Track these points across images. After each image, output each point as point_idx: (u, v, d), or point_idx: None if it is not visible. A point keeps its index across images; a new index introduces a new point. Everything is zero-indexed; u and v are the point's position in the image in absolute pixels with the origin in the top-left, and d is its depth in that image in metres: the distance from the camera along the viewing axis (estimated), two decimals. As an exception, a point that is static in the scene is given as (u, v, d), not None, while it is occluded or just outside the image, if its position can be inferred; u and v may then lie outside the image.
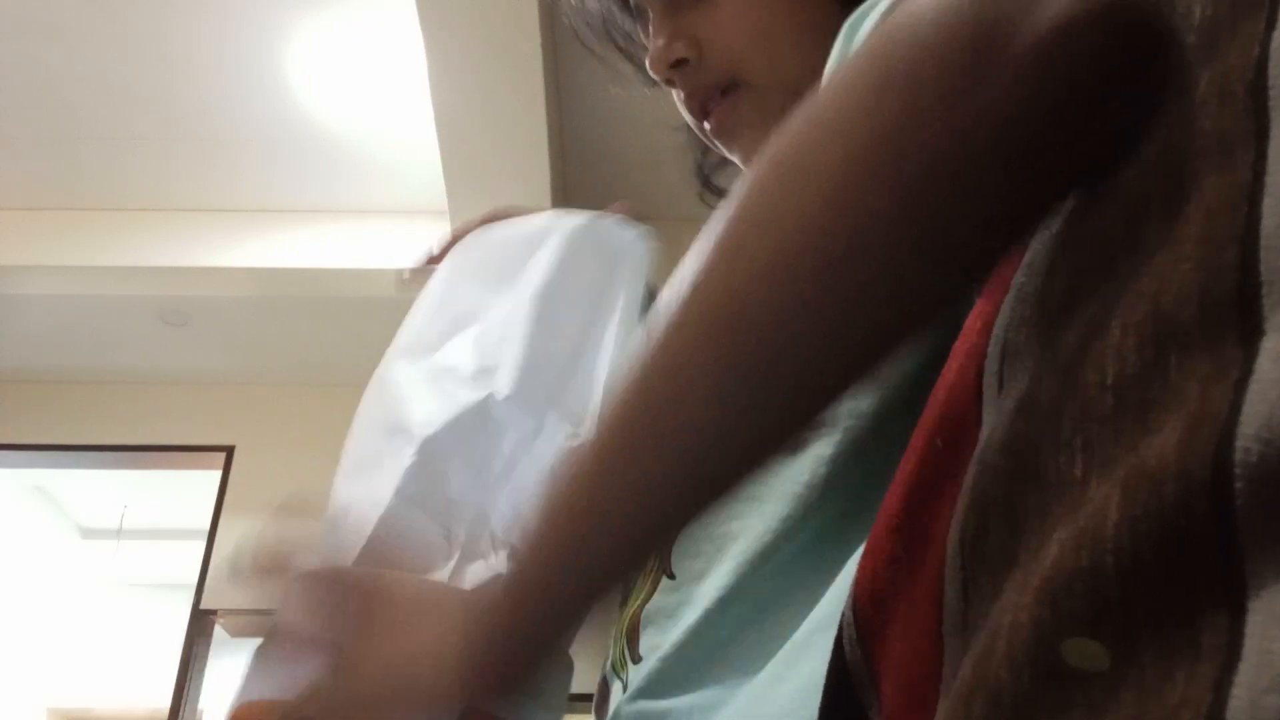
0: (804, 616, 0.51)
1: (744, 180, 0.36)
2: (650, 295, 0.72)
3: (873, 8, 0.52)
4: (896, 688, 0.33)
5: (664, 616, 0.56)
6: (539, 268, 0.65)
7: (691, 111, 0.71)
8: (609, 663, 0.60)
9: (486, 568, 0.55)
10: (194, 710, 4.09)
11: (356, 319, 3.99)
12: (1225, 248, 0.22)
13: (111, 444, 4.33)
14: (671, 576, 0.57)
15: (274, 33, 3.00)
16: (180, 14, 2.92)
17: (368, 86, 3.20)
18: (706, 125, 0.71)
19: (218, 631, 4.19)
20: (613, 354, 0.63)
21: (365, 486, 0.56)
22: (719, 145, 0.72)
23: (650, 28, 0.72)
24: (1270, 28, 0.24)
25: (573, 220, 0.70)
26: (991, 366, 0.30)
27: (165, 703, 4.08)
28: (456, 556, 0.55)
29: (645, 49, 0.73)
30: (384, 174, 3.56)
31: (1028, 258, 0.30)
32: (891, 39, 0.33)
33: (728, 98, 0.69)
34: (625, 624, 0.59)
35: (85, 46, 3.02)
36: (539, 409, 0.60)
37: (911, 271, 0.31)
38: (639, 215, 0.77)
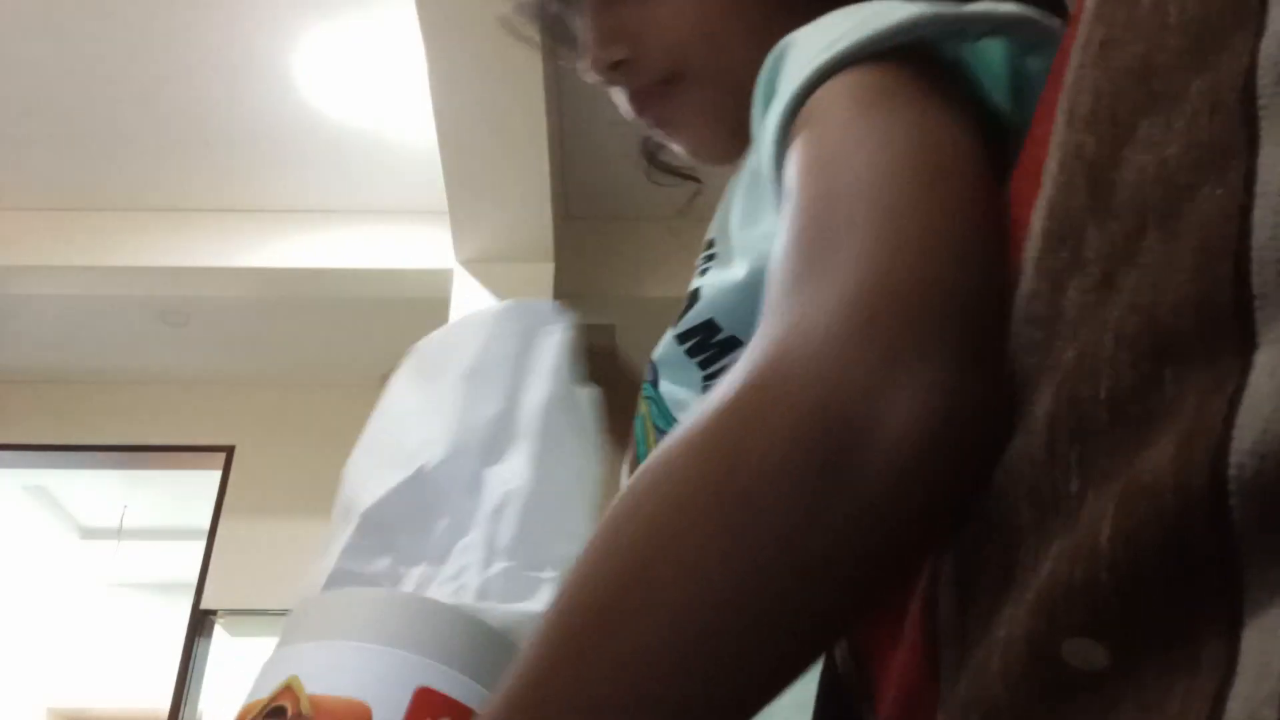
0: None
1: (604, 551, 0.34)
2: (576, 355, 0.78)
3: (790, 46, 0.50)
4: (892, 699, 0.33)
5: None
6: (466, 351, 0.73)
7: (634, 109, 0.68)
8: None
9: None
10: (194, 710, 4.09)
11: (356, 319, 4.00)
12: (1220, 260, 0.22)
13: (111, 444, 4.34)
14: None
15: (274, 34, 3.01)
16: (181, 15, 2.92)
17: (367, 87, 3.20)
18: (645, 120, 0.69)
19: (218, 631, 4.19)
20: (537, 408, 0.70)
21: (320, 563, 0.62)
22: (661, 135, 0.70)
23: (585, 23, 0.68)
24: (1259, 36, 0.24)
25: (496, 307, 0.80)
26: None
27: (165, 703, 4.08)
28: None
29: (576, 39, 0.70)
30: (384, 174, 3.56)
31: (1030, 277, 0.30)
32: (727, 469, 0.32)
33: (669, 89, 0.66)
34: None
35: (86, 47, 3.02)
36: (472, 468, 0.65)
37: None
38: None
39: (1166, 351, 0.23)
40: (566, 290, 3.53)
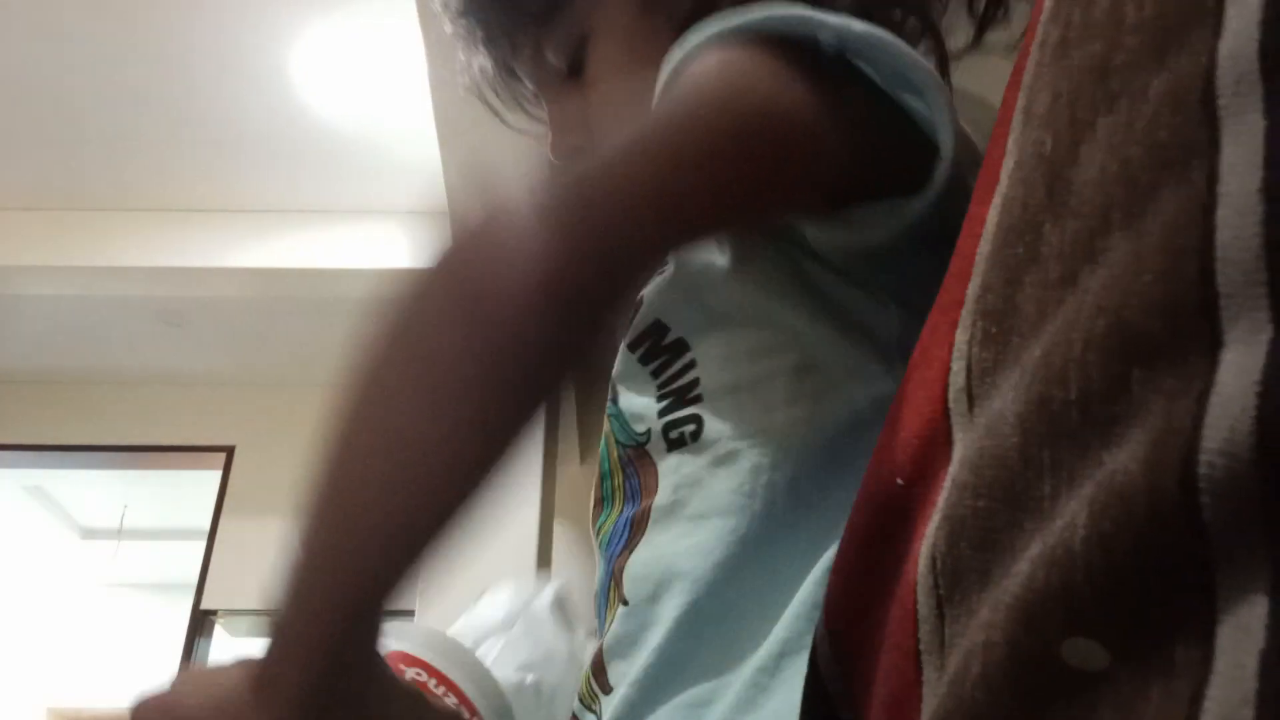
0: (767, 630, 0.51)
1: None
2: None
3: (683, 43, 0.57)
4: (878, 704, 0.33)
5: (627, 644, 0.55)
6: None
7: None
8: (577, 698, 0.60)
9: None
10: (193, 710, 4.08)
11: (356, 319, 4.00)
12: (1185, 261, 0.22)
13: (111, 444, 4.34)
14: (625, 603, 0.56)
15: (274, 34, 3.01)
16: (181, 14, 2.92)
17: (367, 87, 3.20)
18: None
19: (218, 631, 4.19)
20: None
21: None
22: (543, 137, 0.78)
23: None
24: (1217, 36, 0.24)
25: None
26: (957, 382, 0.30)
27: (165, 703, 4.08)
28: None
29: (527, 100, 0.80)
30: (384, 174, 3.56)
31: (983, 272, 0.30)
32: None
33: None
34: (591, 660, 0.58)
35: (86, 47, 3.02)
36: None
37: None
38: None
39: (1135, 352, 0.23)
40: (566, 290, 3.53)
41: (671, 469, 0.58)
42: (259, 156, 3.49)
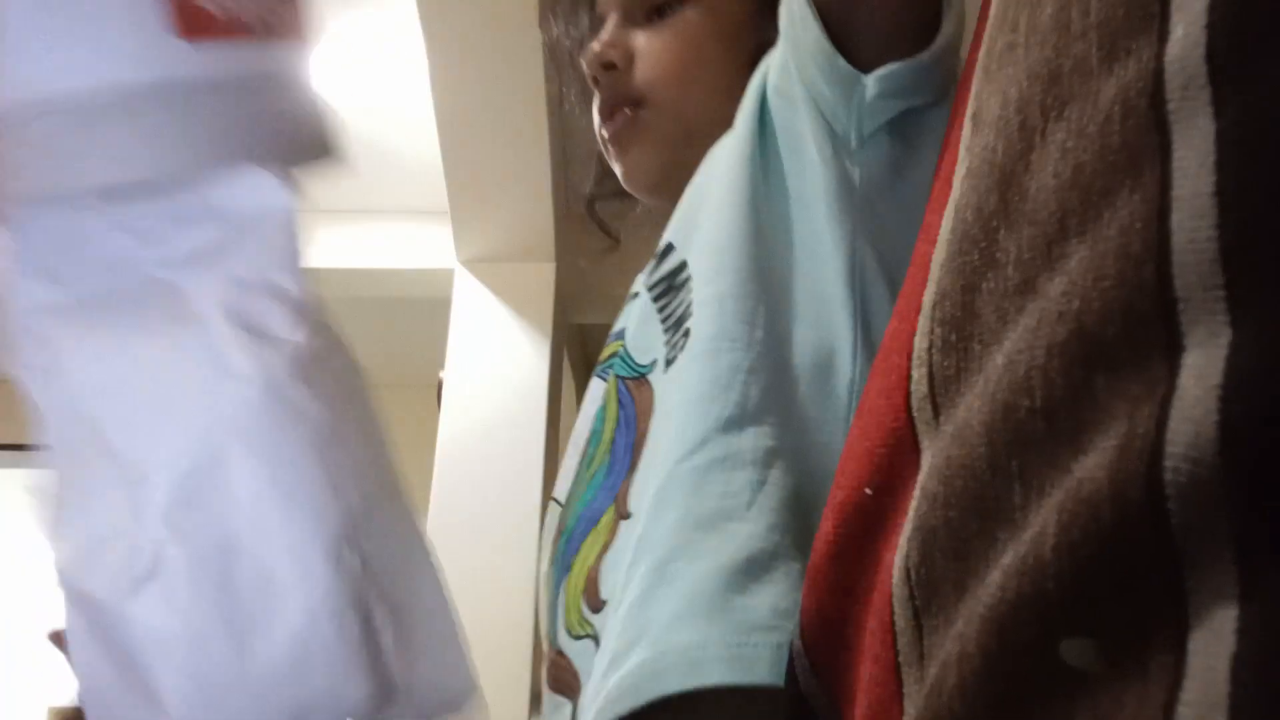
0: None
1: None
2: None
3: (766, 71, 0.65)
4: (861, 712, 0.33)
5: (623, 552, 0.56)
6: None
7: (600, 114, 0.81)
8: (559, 635, 0.60)
9: None
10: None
11: (356, 319, 4.00)
12: (1142, 266, 0.22)
13: (113, 444, 4.34)
14: (628, 516, 0.58)
15: (274, 33, 3.01)
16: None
17: (368, 87, 3.20)
18: (605, 131, 0.80)
19: (219, 631, 4.20)
20: None
21: None
22: (608, 151, 0.82)
23: (605, 26, 0.82)
24: (1163, 41, 0.24)
25: None
26: (920, 390, 0.30)
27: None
28: None
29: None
30: (385, 174, 3.57)
31: (939, 279, 0.30)
32: None
33: (632, 111, 0.78)
34: (578, 587, 0.59)
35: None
36: None
37: None
38: None
39: (1097, 359, 0.23)
40: (566, 290, 3.54)
41: (664, 384, 0.61)
42: (260, 157, 3.49)
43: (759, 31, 0.74)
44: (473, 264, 3.42)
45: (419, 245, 3.65)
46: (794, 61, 0.62)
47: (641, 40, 0.79)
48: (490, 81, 2.80)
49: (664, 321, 0.64)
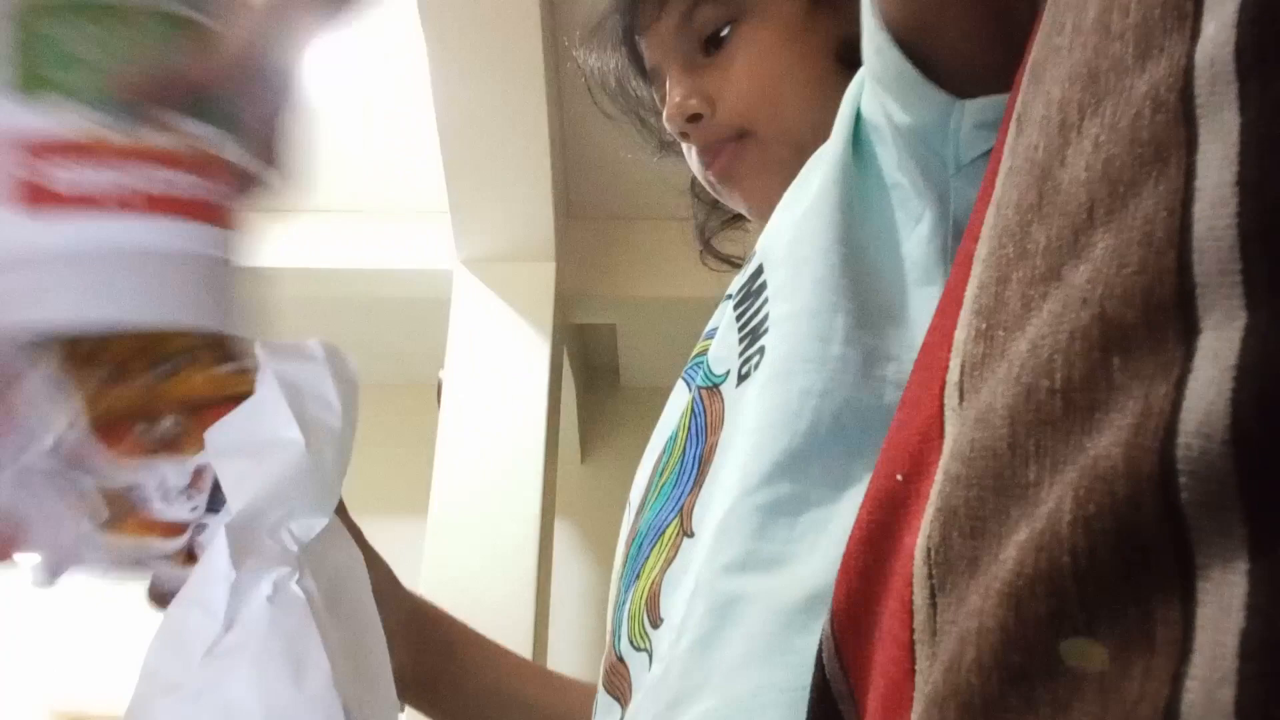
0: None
1: None
2: None
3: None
4: (875, 697, 0.33)
5: (683, 573, 0.56)
6: None
7: (702, 160, 0.80)
8: (622, 642, 0.60)
9: None
10: (194, 709, 4.09)
11: (356, 319, 4.00)
12: (1163, 253, 0.23)
13: (112, 443, 4.34)
14: (691, 535, 0.58)
15: (275, 33, 3.01)
16: (182, 15, 2.92)
17: (368, 87, 3.20)
18: (711, 175, 0.79)
19: (218, 630, 4.20)
20: None
21: None
22: (720, 190, 0.81)
23: (666, 87, 0.80)
24: (1194, 39, 0.25)
25: None
26: (952, 378, 0.31)
27: (166, 701, 4.08)
28: None
29: (658, 113, 0.83)
30: (384, 174, 3.56)
31: (979, 273, 0.31)
32: None
33: (735, 145, 0.77)
34: (642, 598, 0.59)
35: (87, 47, 3.02)
36: None
37: None
38: None
39: (1114, 341, 0.24)
40: (566, 290, 3.53)
41: (735, 399, 0.60)
42: (260, 156, 3.49)
43: (826, 20, 0.74)
44: (473, 264, 3.42)
45: (419, 245, 3.65)
46: (881, 90, 0.59)
47: (715, 78, 0.77)
48: (490, 81, 2.81)
49: (740, 330, 0.63)
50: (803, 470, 0.53)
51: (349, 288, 3.74)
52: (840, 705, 0.37)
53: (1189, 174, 0.23)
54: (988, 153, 0.57)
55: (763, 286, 0.62)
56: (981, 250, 0.32)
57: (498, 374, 3.25)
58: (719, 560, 0.53)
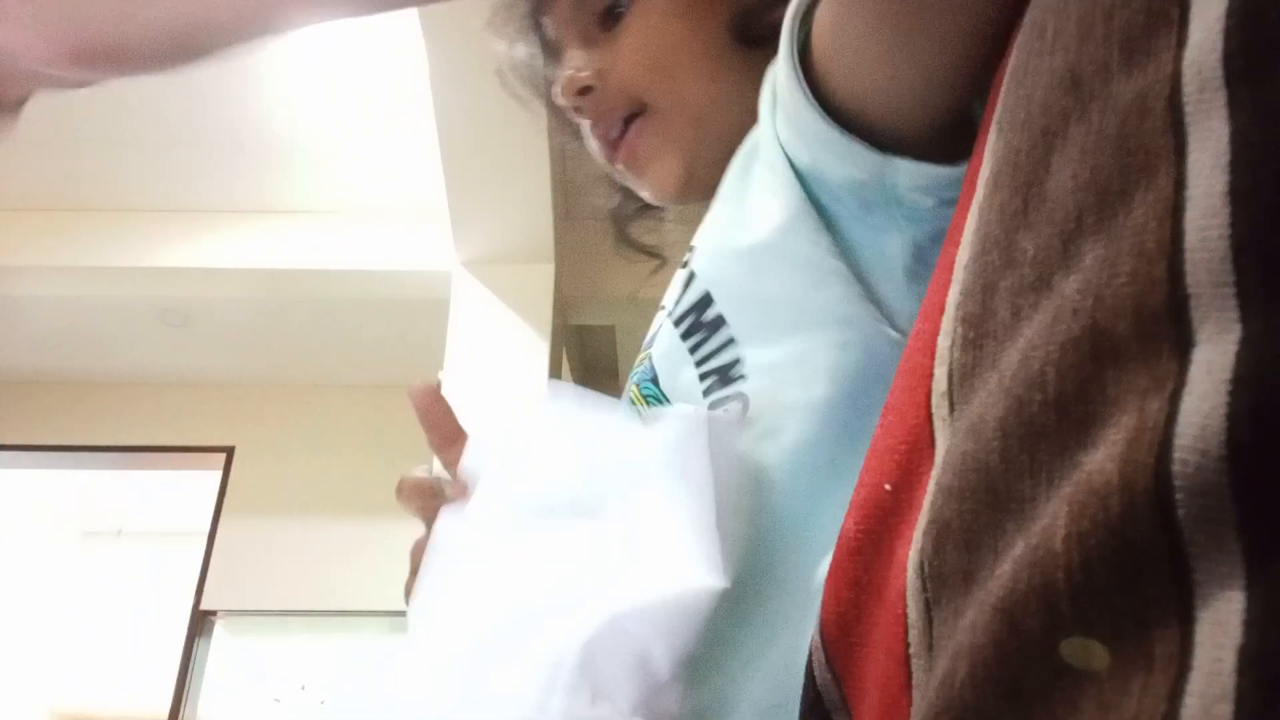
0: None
1: None
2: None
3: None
4: (870, 710, 0.33)
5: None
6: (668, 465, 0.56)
7: (598, 141, 0.77)
8: None
9: None
10: (194, 711, 4.09)
11: (356, 319, 4.00)
12: (1154, 263, 0.23)
13: (111, 444, 4.35)
14: None
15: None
16: (180, 15, 2.92)
17: (369, 88, 3.20)
18: (616, 161, 0.77)
19: (218, 631, 4.20)
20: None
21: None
22: (629, 178, 0.78)
23: (564, 56, 0.78)
24: (1181, 46, 0.24)
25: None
26: (939, 387, 0.31)
27: (166, 703, 4.09)
28: None
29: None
30: (384, 175, 3.57)
31: (962, 279, 0.31)
32: None
33: (632, 126, 0.75)
34: None
35: (85, 48, 3.03)
36: None
37: None
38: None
39: (1107, 353, 0.23)
40: (566, 291, 3.53)
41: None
42: (260, 157, 3.49)
43: None
44: (472, 265, 3.43)
45: (418, 247, 3.65)
46: (799, 143, 0.55)
47: (607, 51, 0.75)
48: (490, 82, 2.80)
49: (698, 365, 0.60)
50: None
51: (349, 289, 3.75)
52: (834, 717, 0.37)
53: (1179, 183, 0.23)
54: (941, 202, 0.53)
55: (719, 321, 0.59)
56: (963, 255, 0.31)
57: (497, 375, 3.25)
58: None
